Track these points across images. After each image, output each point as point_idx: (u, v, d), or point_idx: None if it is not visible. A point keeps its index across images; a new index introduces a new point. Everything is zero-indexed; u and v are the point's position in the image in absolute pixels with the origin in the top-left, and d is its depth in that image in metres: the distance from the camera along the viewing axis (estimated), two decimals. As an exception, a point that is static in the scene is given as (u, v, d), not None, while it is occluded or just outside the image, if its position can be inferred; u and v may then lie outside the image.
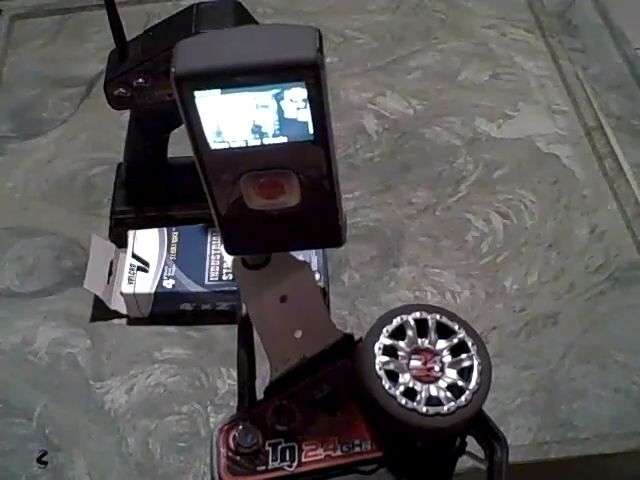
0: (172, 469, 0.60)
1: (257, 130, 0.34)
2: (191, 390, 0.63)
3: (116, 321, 0.68)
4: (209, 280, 0.65)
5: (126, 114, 0.67)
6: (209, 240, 0.68)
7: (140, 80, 0.61)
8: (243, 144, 0.34)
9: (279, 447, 0.45)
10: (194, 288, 0.65)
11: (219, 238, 0.67)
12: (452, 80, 0.86)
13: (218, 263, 0.66)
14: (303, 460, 0.44)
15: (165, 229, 0.69)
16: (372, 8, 0.95)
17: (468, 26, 0.92)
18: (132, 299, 0.65)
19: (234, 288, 0.65)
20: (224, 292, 0.65)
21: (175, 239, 0.68)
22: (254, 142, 0.34)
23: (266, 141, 0.34)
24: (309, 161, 0.35)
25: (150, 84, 0.61)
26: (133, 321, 0.67)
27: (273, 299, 0.44)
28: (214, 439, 0.45)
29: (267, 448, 0.45)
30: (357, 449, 0.45)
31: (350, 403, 0.46)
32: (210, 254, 0.67)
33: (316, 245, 0.42)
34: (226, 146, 0.34)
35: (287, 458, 0.44)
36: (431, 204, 0.75)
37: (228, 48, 0.32)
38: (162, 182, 0.71)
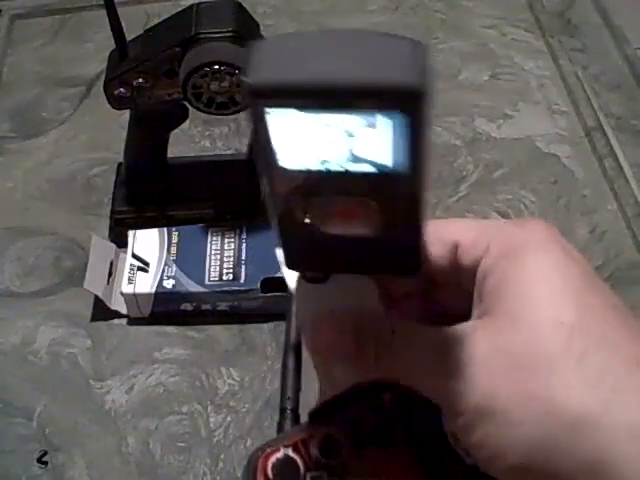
0: (172, 469, 0.59)
1: (337, 155, 0.28)
2: (191, 390, 0.63)
3: (116, 321, 0.68)
4: (209, 280, 0.65)
5: (126, 114, 0.67)
6: (209, 240, 0.68)
7: (140, 80, 0.61)
8: (319, 168, 0.29)
9: None
10: (194, 288, 0.65)
11: (219, 238, 0.68)
12: (452, 80, 0.86)
13: (218, 263, 0.66)
14: None
15: (165, 229, 0.69)
16: (372, 8, 0.94)
17: (468, 26, 0.92)
18: (132, 299, 0.65)
19: (234, 288, 0.65)
20: (224, 292, 0.65)
21: (175, 239, 0.68)
22: (332, 167, 0.29)
23: (346, 167, 0.29)
24: (396, 193, 0.30)
25: (150, 84, 0.61)
26: (133, 321, 0.67)
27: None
28: (251, 464, 0.40)
29: None
30: None
31: (405, 439, 0.40)
32: (210, 254, 0.67)
33: (388, 271, 0.38)
34: (299, 168, 0.29)
35: None
36: (431, 204, 0.75)
37: (313, 60, 0.27)
38: (162, 182, 0.71)
